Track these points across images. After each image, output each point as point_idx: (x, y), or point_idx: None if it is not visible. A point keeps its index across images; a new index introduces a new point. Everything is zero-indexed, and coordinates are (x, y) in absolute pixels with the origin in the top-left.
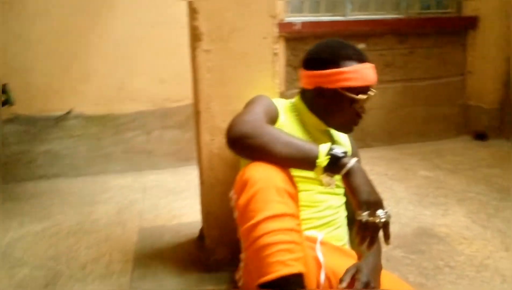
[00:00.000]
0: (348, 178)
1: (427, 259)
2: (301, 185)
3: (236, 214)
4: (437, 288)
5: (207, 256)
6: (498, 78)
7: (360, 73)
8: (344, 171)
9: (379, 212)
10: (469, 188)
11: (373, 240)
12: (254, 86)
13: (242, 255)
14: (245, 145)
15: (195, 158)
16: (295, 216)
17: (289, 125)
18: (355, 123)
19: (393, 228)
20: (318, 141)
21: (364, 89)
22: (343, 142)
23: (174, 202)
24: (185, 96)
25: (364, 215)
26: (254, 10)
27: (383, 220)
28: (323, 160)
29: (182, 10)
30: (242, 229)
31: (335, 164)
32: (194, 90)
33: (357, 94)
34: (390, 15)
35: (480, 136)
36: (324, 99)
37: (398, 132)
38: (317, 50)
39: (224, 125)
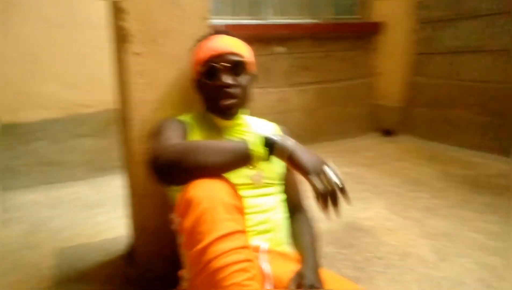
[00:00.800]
0: (292, 158)
1: (357, 253)
2: None
3: (181, 238)
4: (370, 279)
5: (140, 273)
6: (402, 79)
7: (204, 46)
8: (288, 152)
9: (330, 175)
10: (386, 182)
11: (336, 204)
12: (188, 91)
13: (185, 273)
14: (178, 171)
15: (112, 168)
16: (244, 231)
17: (202, 132)
18: (222, 97)
19: (323, 225)
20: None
21: (213, 59)
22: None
23: (96, 216)
24: (99, 102)
25: (319, 185)
26: (187, 11)
27: (337, 181)
28: (257, 149)
29: (93, 10)
30: (191, 253)
31: (275, 149)
32: (121, 95)
33: (208, 67)
34: (308, 20)
35: (387, 132)
36: (196, 87)
37: (318, 131)
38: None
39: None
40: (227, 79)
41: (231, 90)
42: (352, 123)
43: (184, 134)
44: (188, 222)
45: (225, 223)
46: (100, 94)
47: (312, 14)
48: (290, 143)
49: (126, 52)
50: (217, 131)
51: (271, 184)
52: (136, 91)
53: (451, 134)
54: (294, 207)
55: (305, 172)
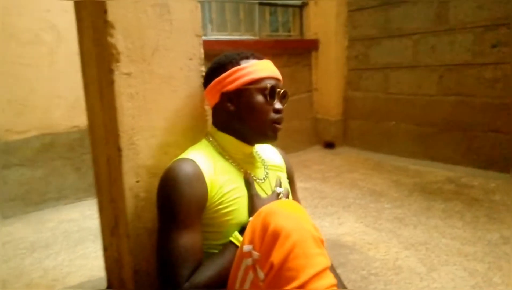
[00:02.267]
0: None
1: (351, 271)
2: None
3: (262, 273)
4: None
5: None
6: (339, 93)
7: (260, 65)
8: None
9: None
10: (346, 194)
11: None
12: (182, 114)
13: None
14: None
15: (50, 200)
16: (331, 266)
17: (222, 171)
18: (276, 121)
19: None
20: (250, 168)
21: (270, 80)
22: (276, 163)
23: (44, 260)
24: (32, 126)
25: None
26: (179, 28)
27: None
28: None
29: (22, 23)
30: None
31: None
32: (104, 122)
33: (269, 88)
34: (246, 36)
35: (329, 145)
36: (233, 104)
37: None
38: (214, 61)
39: (150, 162)
40: (280, 104)
41: (282, 117)
42: (296, 137)
43: (200, 204)
44: (277, 257)
45: (317, 259)
46: (31, 118)
47: (248, 30)
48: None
49: (113, 72)
50: (236, 163)
51: None
52: (125, 116)
53: (386, 144)
54: None
55: None
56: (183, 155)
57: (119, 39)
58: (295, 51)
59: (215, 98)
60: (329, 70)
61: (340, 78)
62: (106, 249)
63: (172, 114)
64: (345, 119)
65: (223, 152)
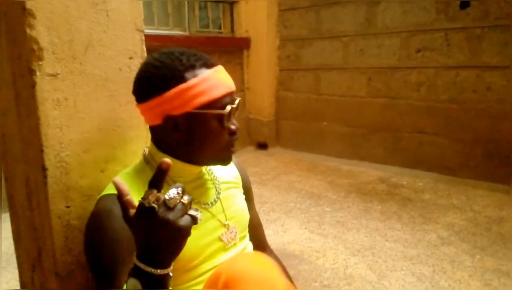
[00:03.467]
0: None
1: (304, 283)
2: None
3: None
4: None
5: None
6: (271, 93)
7: (213, 80)
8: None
9: None
10: (285, 198)
11: None
12: (121, 124)
13: None
14: None
15: None
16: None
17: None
18: (232, 144)
19: None
20: (198, 192)
21: (225, 99)
22: (229, 177)
23: None
24: None
25: None
26: (116, 20)
27: None
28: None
29: None
30: None
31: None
32: (26, 134)
33: (222, 108)
34: (175, 32)
35: (262, 146)
36: (180, 130)
37: None
38: (148, 70)
39: (84, 182)
40: (236, 123)
41: (237, 136)
42: None
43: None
44: None
45: None
46: None
47: (177, 26)
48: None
49: (34, 73)
50: (175, 179)
51: (244, 236)
52: (51, 128)
53: (318, 145)
54: (261, 248)
55: None
56: (106, 191)
57: (41, 32)
58: (227, 49)
59: (156, 120)
60: (261, 70)
61: (272, 78)
62: (25, 286)
63: (110, 124)
64: (278, 119)
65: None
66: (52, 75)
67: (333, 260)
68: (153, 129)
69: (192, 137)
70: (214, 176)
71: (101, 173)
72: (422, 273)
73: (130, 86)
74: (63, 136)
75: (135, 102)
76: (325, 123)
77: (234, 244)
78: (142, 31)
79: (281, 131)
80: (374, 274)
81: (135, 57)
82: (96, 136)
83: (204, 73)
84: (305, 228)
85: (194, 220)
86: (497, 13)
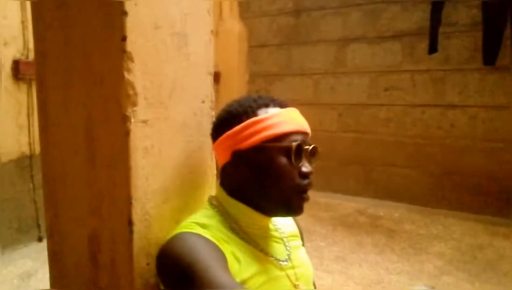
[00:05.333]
0: None
1: None
2: None
3: None
4: None
5: None
6: None
7: (283, 116)
8: None
9: None
10: None
11: None
12: (192, 171)
13: None
14: None
15: None
16: None
17: (240, 253)
18: (303, 188)
19: None
20: (269, 246)
21: (296, 136)
22: (292, 229)
23: None
24: None
25: None
26: (195, 63)
27: None
28: None
29: None
30: None
31: None
32: (103, 186)
33: (294, 146)
34: None
35: None
36: (248, 166)
37: None
38: (225, 110)
39: (161, 235)
40: (309, 166)
41: (311, 182)
42: None
43: (226, 264)
44: None
45: None
46: None
47: None
48: None
49: (129, 120)
50: (251, 240)
51: None
52: (139, 178)
53: None
54: None
55: None
56: (183, 229)
57: (137, 76)
58: None
59: (225, 157)
60: None
61: None
62: None
63: (185, 171)
64: None
65: (235, 226)
66: (143, 121)
67: None
68: (223, 171)
69: (259, 174)
70: (281, 231)
71: (175, 224)
72: None
73: (202, 130)
74: (148, 187)
75: (205, 147)
76: None
77: None
78: (212, 74)
79: None
80: None
81: (206, 100)
82: (174, 184)
83: (275, 110)
84: None
85: None
86: (458, 58)
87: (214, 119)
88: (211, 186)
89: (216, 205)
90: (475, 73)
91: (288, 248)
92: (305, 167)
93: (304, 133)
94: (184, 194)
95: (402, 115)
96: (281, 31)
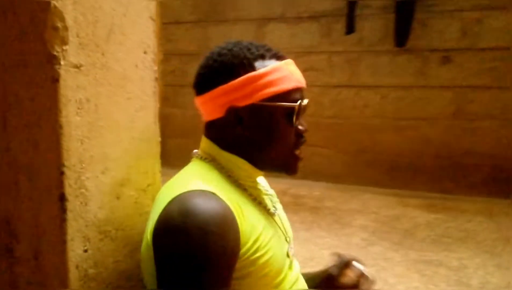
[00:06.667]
0: None
1: None
2: None
3: None
4: None
5: None
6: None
7: (283, 71)
8: None
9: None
10: None
11: None
12: (134, 137)
13: None
14: None
15: None
16: None
17: (241, 202)
18: (298, 147)
19: None
20: (262, 198)
21: (296, 94)
22: (268, 189)
23: None
24: None
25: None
26: (135, 4)
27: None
28: None
29: None
30: None
31: None
32: (27, 149)
33: (291, 103)
34: None
35: None
36: (244, 125)
37: None
38: (213, 58)
39: (101, 214)
40: (305, 124)
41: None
42: None
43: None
44: None
45: None
46: None
47: None
48: None
49: (58, 61)
50: (248, 192)
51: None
52: (73, 140)
53: None
54: None
55: None
56: (192, 187)
57: (67, 4)
58: None
59: (218, 112)
60: None
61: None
62: None
63: (126, 136)
64: (163, 137)
65: (231, 179)
66: (76, 66)
67: None
68: (212, 125)
69: (256, 134)
70: (264, 188)
71: (116, 200)
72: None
73: (144, 87)
74: (84, 152)
75: (149, 108)
76: None
77: (292, 263)
78: (155, 20)
79: (166, 150)
80: None
81: (148, 51)
82: (114, 151)
83: (274, 64)
84: None
85: None
86: (371, 39)
87: (198, 68)
88: (155, 156)
89: (210, 159)
90: (387, 55)
91: (274, 201)
92: (302, 126)
93: (302, 89)
94: (125, 164)
95: (320, 96)
96: (197, 8)
